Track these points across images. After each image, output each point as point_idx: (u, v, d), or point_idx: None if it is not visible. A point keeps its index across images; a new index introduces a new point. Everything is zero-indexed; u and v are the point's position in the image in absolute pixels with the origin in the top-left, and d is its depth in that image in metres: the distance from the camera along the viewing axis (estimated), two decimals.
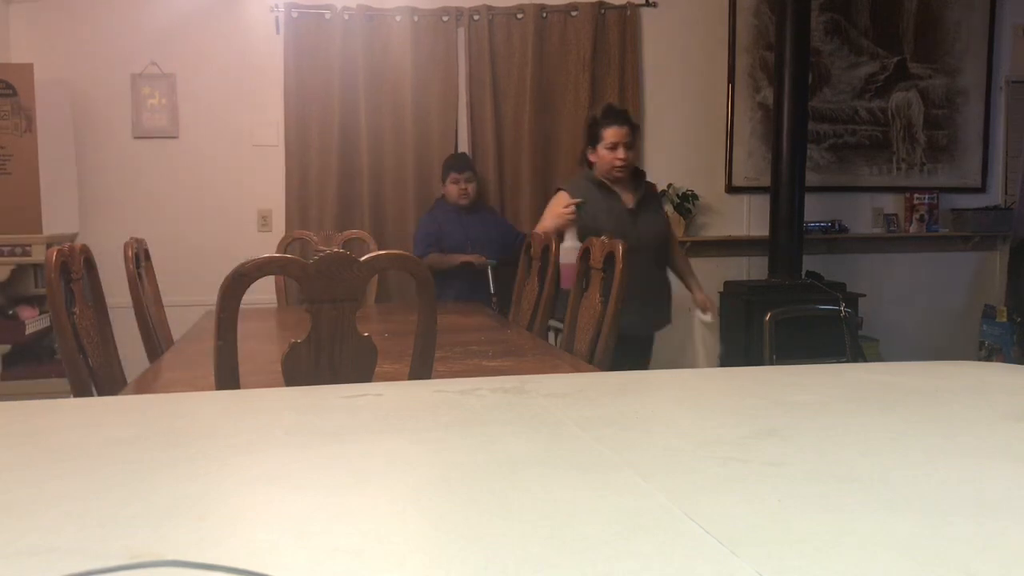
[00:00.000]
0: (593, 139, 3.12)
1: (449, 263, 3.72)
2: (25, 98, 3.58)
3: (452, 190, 3.87)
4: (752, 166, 4.53)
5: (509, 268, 3.58)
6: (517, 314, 3.12)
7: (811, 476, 0.75)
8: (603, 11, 4.30)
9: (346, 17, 4.13)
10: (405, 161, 4.21)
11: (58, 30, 4.05)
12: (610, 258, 2.34)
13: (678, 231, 4.45)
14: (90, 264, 2.20)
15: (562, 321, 2.84)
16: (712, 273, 4.44)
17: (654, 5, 4.37)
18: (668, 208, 4.43)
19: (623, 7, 4.32)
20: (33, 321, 3.65)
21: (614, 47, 4.31)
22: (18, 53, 3.97)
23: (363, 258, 1.50)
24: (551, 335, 3.15)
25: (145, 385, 1.92)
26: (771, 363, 3.62)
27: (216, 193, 4.19)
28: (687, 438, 0.88)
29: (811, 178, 4.29)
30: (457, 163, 3.95)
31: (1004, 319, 4.60)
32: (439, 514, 0.67)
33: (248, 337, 1.63)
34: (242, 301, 1.43)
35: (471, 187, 3.89)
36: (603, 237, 2.54)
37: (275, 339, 2.74)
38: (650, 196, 3.24)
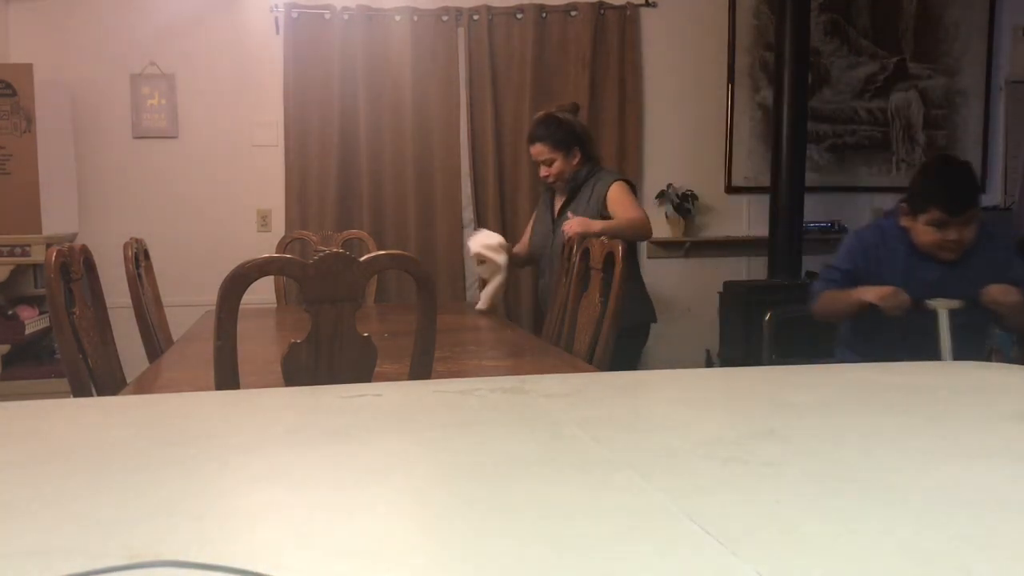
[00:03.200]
0: None
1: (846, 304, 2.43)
2: (25, 98, 3.58)
3: (930, 237, 2.34)
4: (752, 166, 4.53)
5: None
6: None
7: (810, 476, 0.75)
8: (603, 11, 4.29)
9: (346, 17, 4.13)
10: (405, 161, 4.21)
11: (58, 30, 4.04)
12: (610, 258, 2.34)
13: (677, 231, 4.45)
14: (90, 264, 2.20)
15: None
16: (711, 273, 4.45)
17: (654, 5, 4.37)
18: (667, 207, 4.43)
19: (623, 7, 4.32)
20: (33, 321, 3.65)
21: (614, 47, 4.31)
22: (18, 53, 3.97)
23: (363, 258, 1.49)
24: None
25: (145, 385, 1.92)
26: (771, 363, 3.62)
27: (216, 193, 4.19)
28: (686, 438, 0.88)
29: (810, 178, 4.29)
30: (955, 198, 2.31)
31: None
32: (438, 514, 0.67)
33: (248, 337, 1.63)
34: (242, 301, 1.43)
35: (970, 232, 2.33)
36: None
37: (275, 339, 2.74)
38: (579, 194, 3.00)
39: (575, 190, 3.03)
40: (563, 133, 3.00)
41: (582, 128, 3.11)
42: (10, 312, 3.61)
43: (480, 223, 4.28)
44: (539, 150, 3.02)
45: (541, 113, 3.13)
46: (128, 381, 2.14)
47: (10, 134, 3.57)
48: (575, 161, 3.01)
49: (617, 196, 2.93)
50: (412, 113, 4.19)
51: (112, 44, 4.07)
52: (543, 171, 3.04)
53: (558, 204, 3.11)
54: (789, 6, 4.05)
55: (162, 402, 1.20)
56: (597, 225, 2.78)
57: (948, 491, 0.70)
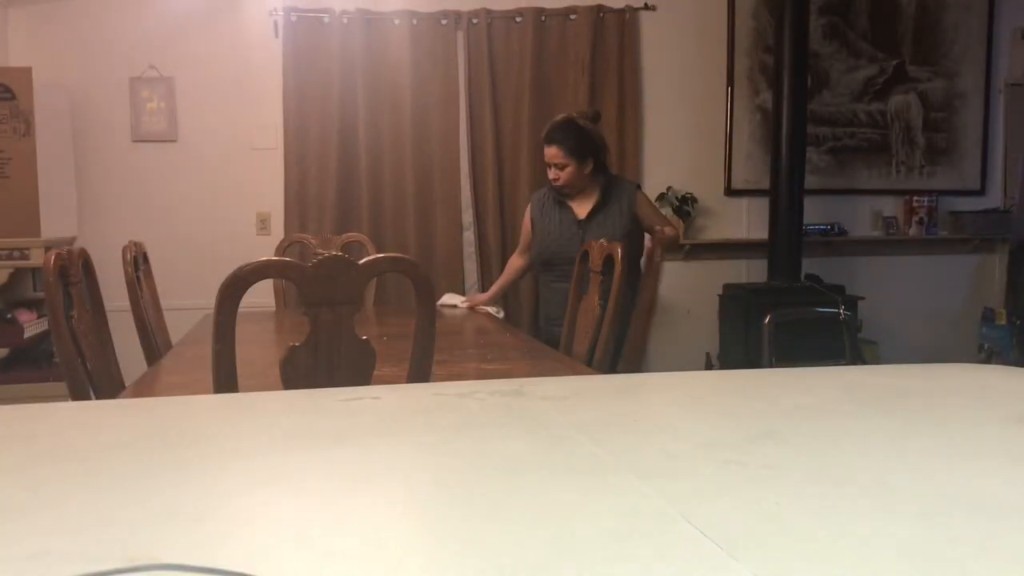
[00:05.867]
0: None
1: None
2: (24, 102, 3.58)
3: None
4: (751, 169, 4.53)
5: None
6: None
7: (809, 478, 0.75)
8: (602, 14, 4.30)
9: (345, 20, 4.14)
10: (404, 164, 4.21)
11: (57, 34, 4.05)
12: (609, 260, 2.34)
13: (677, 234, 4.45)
14: (88, 268, 2.20)
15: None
16: (711, 276, 4.45)
17: (653, 8, 4.37)
18: (667, 210, 4.43)
19: (622, 10, 4.32)
20: (31, 325, 3.64)
21: (613, 50, 4.32)
22: (17, 57, 3.97)
23: (361, 261, 1.49)
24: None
25: (143, 389, 1.91)
26: (770, 366, 3.61)
27: (215, 196, 4.19)
28: (685, 441, 0.88)
29: (810, 181, 4.30)
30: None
31: (1003, 322, 4.61)
32: (437, 517, 0.67)
33: (246, 340, 1.63)
34: (240, 304, 1.43)
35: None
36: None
37: (273, 342, 2.74)
38: (610, 201, 3.05)
39: (605, 198, 3.03)
40: (581, 141, 2.99)
41: (600, 138, 3.09)
42: (9, 315, 3.61)
43: (479, 226, 4.29)
44: (554, 153, 2.99)
45: (562, 116, 3.08)
46: (127, 384, 2.14)
47: (9, 138, 3.57)
48: (587, 170, 3.02)
49: (650, 207, 3.15)
50: (411, 116, 4.19)
51: (111, 47, 4.08)
52: (552, 173, 3.02)
53: (580, 210, 3.04)
54: (788, 9, 4.05)
55: (161, 405, 1.20)
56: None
57: (947, 493, 0.70)
